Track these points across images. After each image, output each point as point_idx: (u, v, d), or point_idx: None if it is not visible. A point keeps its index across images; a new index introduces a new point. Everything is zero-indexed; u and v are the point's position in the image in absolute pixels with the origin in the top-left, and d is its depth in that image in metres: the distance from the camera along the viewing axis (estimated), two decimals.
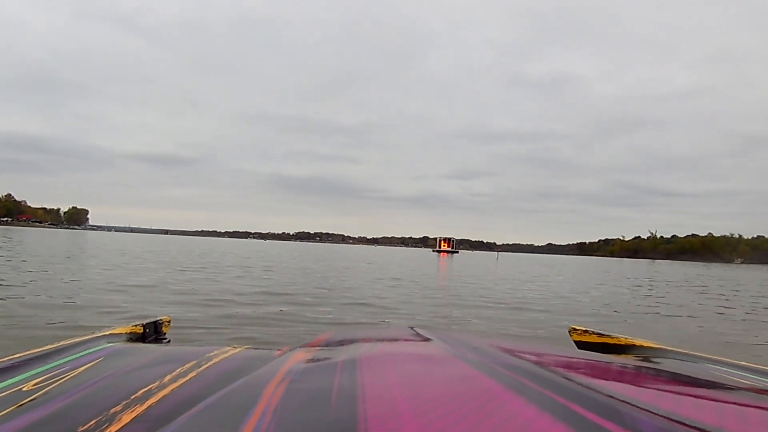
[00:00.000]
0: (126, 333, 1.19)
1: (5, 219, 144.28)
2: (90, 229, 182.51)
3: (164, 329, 1.43)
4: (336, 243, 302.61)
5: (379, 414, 0.47)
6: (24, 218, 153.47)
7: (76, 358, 0.82)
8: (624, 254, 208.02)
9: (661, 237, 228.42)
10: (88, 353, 0.86)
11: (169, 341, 1.37)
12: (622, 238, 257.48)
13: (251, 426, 0.45)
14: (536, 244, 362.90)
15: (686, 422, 0.44)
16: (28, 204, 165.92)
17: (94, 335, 1.05)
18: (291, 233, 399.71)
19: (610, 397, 0.50)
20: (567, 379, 0.59)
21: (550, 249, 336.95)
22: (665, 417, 0.45)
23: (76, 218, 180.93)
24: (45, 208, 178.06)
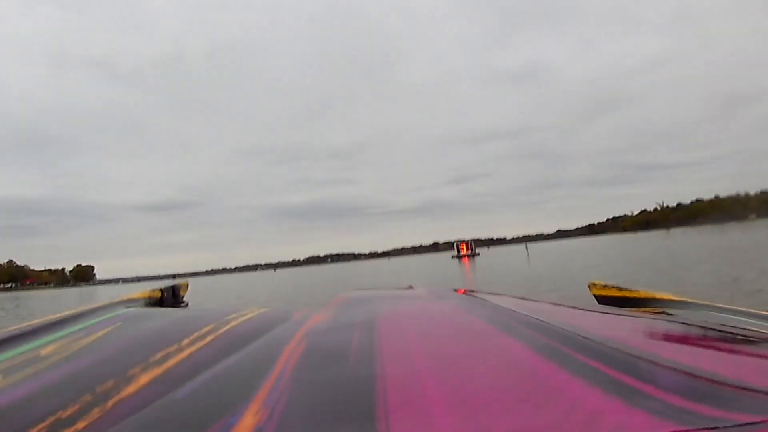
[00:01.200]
0: (144, 298, 1.21)
1: (9, 285, 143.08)
2: (98, 284, 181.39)
3: (182, 293, 1.44)
4: (348, 261, 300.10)
5: (397, 371, 0.47)
6: (29, 282, 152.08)
7: (95, 323, 0.82)
8: (636, 228, 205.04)
9: (667, 206, 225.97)
10: (107, 318, 0.86)
11: (186, 305, 1.39)
12: (631, 213, 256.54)
13: (270, 383, 0.46)
14: (546, 232, 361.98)
15: (705, 376, 0.44)
16: (31, 268, 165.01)
17: (112, 301, 1.07)
18: (301, 259, 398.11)
19: (631, 354, 0.50)
20: (587, 338, 0.59)
21: (560, 235, 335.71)
22: (684, 372, 0.45)
23: (83, 276, 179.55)
24: (50, 270, 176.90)
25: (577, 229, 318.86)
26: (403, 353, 0.52)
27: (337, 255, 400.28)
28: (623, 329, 0.73)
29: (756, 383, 0.43)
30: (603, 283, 1.43)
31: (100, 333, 0.75)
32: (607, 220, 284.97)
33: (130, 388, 0.50)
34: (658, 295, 1.20)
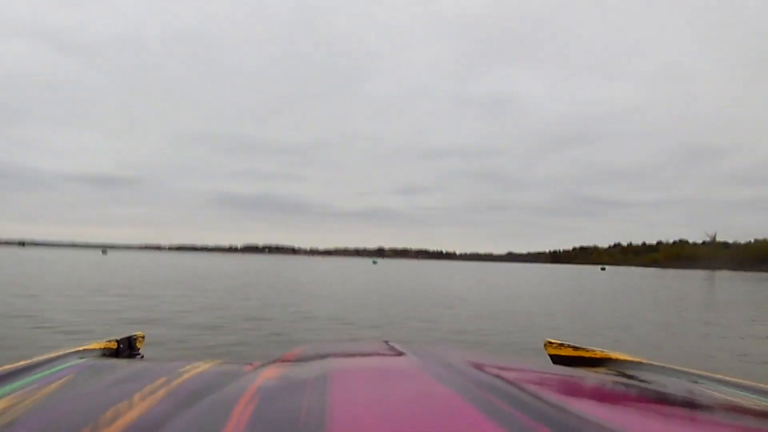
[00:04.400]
0: (100, 348, 1.18)
1: None
2: None
3: (138, 344, 1.42)
4: (286, 255, 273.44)
5: None
6: None
7: (47, 375, 0.80)
8: (607, 261, 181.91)
9: (637, 245, 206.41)
10: (60, 369, 0.84)
11: (142, 356, 1.35)
12: (595, 246, 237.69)
13: None
14: (495, 253, 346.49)
15: None
16: None
17: (67, 351, 1.04)
18: (238, 246, 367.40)
19: (579, 417, 0.50)
20: (537, 397, 0.58)
21: (511, 258, 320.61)
22: None
23: None
24: None
25: (538, 254, 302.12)
26: (353, 419, 0.51)
27: (276, 247, 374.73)
28: (576, 390, 0.72)
29: None
30: (559, 342, 1.40)
31: (53, 386, 0.73)
32: (574, 249, 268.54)
33: None
34: (614, 355, 1.19)
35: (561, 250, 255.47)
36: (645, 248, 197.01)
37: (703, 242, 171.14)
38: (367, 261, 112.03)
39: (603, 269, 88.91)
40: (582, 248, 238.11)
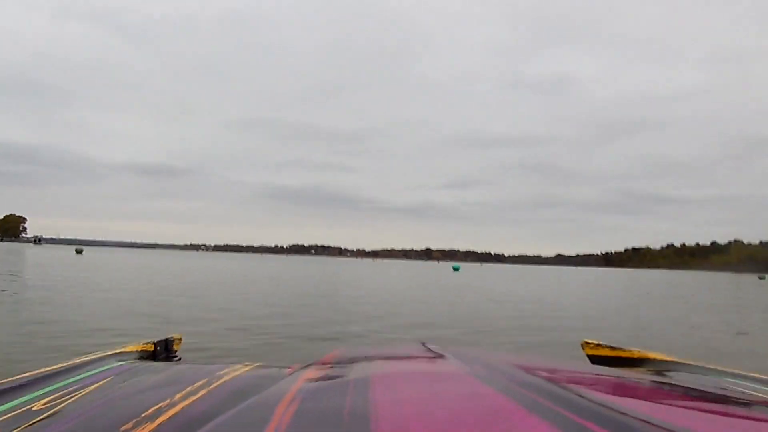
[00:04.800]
0: (137, 351, 1.19)
1: None
2: (24, 241, 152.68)
3: (175, 347, 1.42)
4: (333, 256, 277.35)
5: None
6: None
7: (87, 377, 0.81)
8: (666, 265, 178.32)
9: (690, 246, 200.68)
10: (99, 372, 0.85)
11: (180, 359, 1.36)
12: (647, 247, 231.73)
13: None
14: (543, 255, 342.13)
15: None
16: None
17: (105, 354, 1.05)
18: (284, 246, 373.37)
19: (624, 414, 0.50)
20: (581, 396, 0.58)
21: (560, 260, 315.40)
22: None
23: (7, 229, 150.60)
24: None
25: (588, 256, 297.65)
26: (398, 418, 0.51)
27: (322, 247, 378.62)
28: (618, 389, 0.72)
29: None
30: (596, 342, 1.42)
31: (93, 387, 0.74)
32: (626, 250, 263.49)
33: None
34: (651, 355, 1.19)
35: (613, 252, 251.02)
36: (700, 249, 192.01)
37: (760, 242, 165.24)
38: (427, 264, 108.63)
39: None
40: (634, 249, 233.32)
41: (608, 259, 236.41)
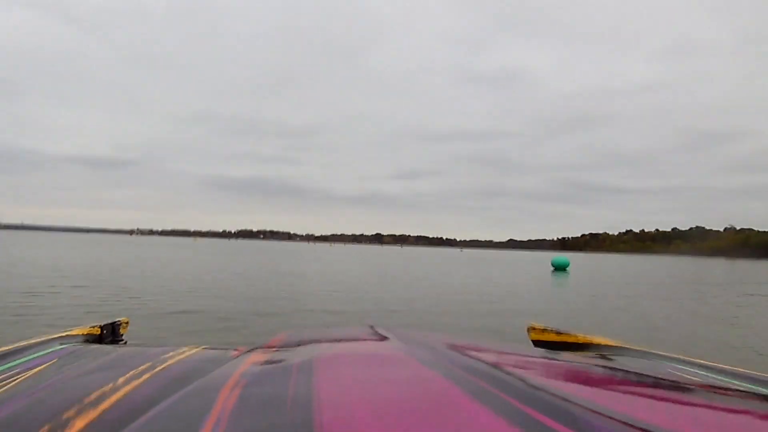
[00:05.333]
0: (82, 334, 1.17)
1: None
2: None
3: (122, 330, 1.42)
4: (282, 241, 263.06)
5: (333, 419, 0.46)
6: None
7: (29, 360, 0.80)
8: (627, 249, 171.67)
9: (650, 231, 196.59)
10: (42, 354, 0.84)
11: (125, 342, 1.36)
12: (605, 233, 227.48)
13: (208, 429, 0.44)
14: (495, 240, 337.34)
15: (642, 426, 0.43)
16: None
17: (49, 337, 1.03)
18: (232, 231, 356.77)
19: (565, 399, 0.50)
20: (523, 380, 0.58)
21: (513, 245, 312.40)
22: (620, 420, 0.45)
23: None
24: None
25: (542, 241, 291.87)
26: (340, 403, 0.51)
27: (271, 232, 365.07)
28: (560, 374, 0.72)
29: None
30: (542, 327, 1.43)
31: (36, 370, 0.72)
32: (583, 236, 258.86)
33: None
34: (596, 339, 1.20)
35: (569, 237, 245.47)
36: (661, 235, 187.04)
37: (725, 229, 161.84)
38: (375, 248, 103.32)
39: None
40: (592, 235, 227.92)
41: (565, 244, 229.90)
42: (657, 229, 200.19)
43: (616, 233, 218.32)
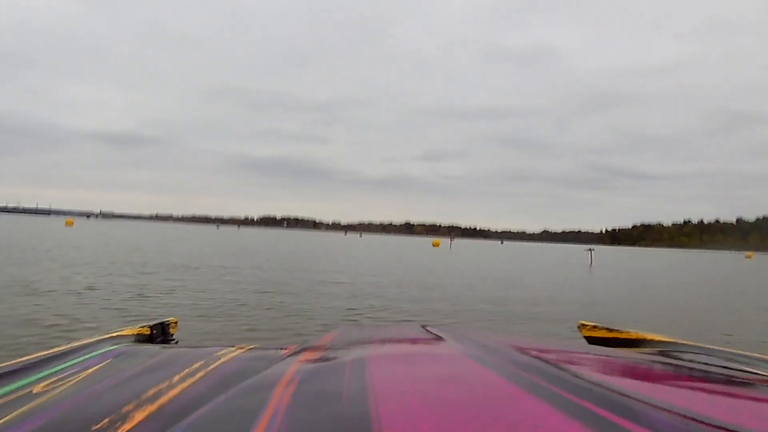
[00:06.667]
0: (133, 335, 1.20)
1: None
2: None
3: (171, 330, 1.44)
4: (307, 229, 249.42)
5: (392, 412, 0.46)
6: None
7: (85, 360, 0.82)
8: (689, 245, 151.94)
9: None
10: (97, 354, 0.86)
11: (176, 342, 1.38)
12: (660, 224, 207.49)
13: (263, 427, 0.45)
14: (528, 231, 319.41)
15: (702, 419, 0.43)
16: None
17: (101, 337, 1.06)
18: (255, 218, 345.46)
19: (623, 394, 0.50)
20: (580, 377, 0.58)
21: (547, 237, 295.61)
22: (680, 414, 0.44)
23: None
24: None
25: (582, 233, 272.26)
26: (396, 399, 0.51)
27: (296, 220, 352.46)
28: (617, 370, 0.72)
29: (753, 427, 0.42)
30: (593, 324, 1.44)
31: (92, 370, 0.75)
32: (634, 226, 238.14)
33: (126, 426, 0.50)
34: (648, 336, 1.21)
35: (618, 229, 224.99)
36: (729, 227, 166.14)
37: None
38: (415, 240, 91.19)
39: None
40: (646, 227, 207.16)
41: (615, 237, 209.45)
42: (717, 220, 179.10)
43: (669, 223, 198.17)
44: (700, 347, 0.97)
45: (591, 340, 1.36)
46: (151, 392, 0.60)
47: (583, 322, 1.47)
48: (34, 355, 0.83)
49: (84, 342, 0.96)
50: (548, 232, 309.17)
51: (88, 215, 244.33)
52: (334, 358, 0.73)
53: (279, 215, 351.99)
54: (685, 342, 1.05)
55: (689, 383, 0.65)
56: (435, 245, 43.20)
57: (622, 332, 1.28)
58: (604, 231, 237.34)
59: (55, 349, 0.87)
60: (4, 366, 0.75)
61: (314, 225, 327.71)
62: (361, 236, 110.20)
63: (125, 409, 0.54)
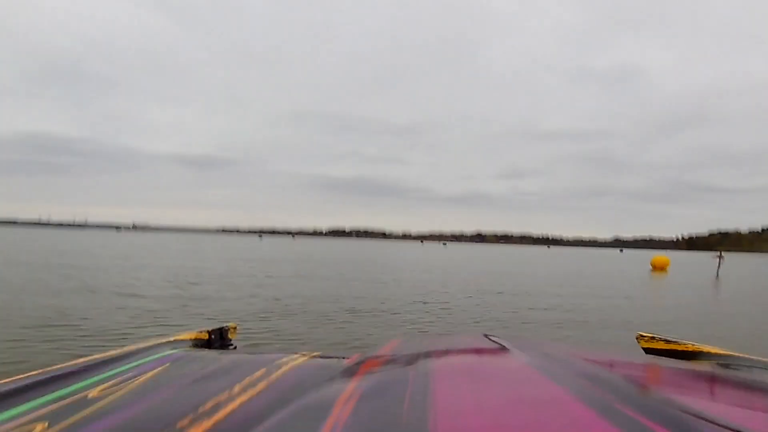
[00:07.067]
0: (191, 339, 1.19)
1: None
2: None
3: (230, 335, 1.42)
4: (376, 239, 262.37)
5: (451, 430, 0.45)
6: None
7: (142, 364, 0.81)
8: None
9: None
10: (154, 359, 0.85)
11: (235, 347, 1.36)
12: (717, 231, 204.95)
13: None
14: (599, 238, 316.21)
15: None
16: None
17: (159, 341, 1.05)
18: (324, 230, 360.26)
19: (699, 417, 0.48)
20: (649, 395, 0.57)
21: (618, 244, 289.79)
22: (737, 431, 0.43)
23: None
24: None
25: (654, 240, 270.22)
26: (459, 417, 0.49)
27: (364, 231, 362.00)
28: (687, 387, 0.70)
29: None
30: (651, 335, 1.43)
31: (149, 375, 0.74)
32: (711, 234, 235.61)
33: None
34: (706, 348, 1.17)
35: (695, 236, 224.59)
36: None
37: None
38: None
39: None
40: (723, 234, 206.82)
41: (692, 243, 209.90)
42: None
43: (746, 230, 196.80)
44: (759, 361, 0.94)
45: (648, 351, 1.36)
46: (209, 405, 0.58)
47: (642, 333, 1.46)
48: (90, 357, 0.81)
49: (141, 346, 0.95)
50: (619, 239, 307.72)
51: (117, 227, 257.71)
52: (395, 371, 0.72)
53: (348, 227, 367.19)
54: (743, 355, 1.01)
55: (748, 398, 0.64)
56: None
57: (679, 344, 1.26)
58: (680, 237, 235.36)
59: (112, 352, 0.86)
60: (60, 368, 0.74)
61: (383, 236, 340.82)
62: (445, 245, 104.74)
63: (181, 423, 0.53)
